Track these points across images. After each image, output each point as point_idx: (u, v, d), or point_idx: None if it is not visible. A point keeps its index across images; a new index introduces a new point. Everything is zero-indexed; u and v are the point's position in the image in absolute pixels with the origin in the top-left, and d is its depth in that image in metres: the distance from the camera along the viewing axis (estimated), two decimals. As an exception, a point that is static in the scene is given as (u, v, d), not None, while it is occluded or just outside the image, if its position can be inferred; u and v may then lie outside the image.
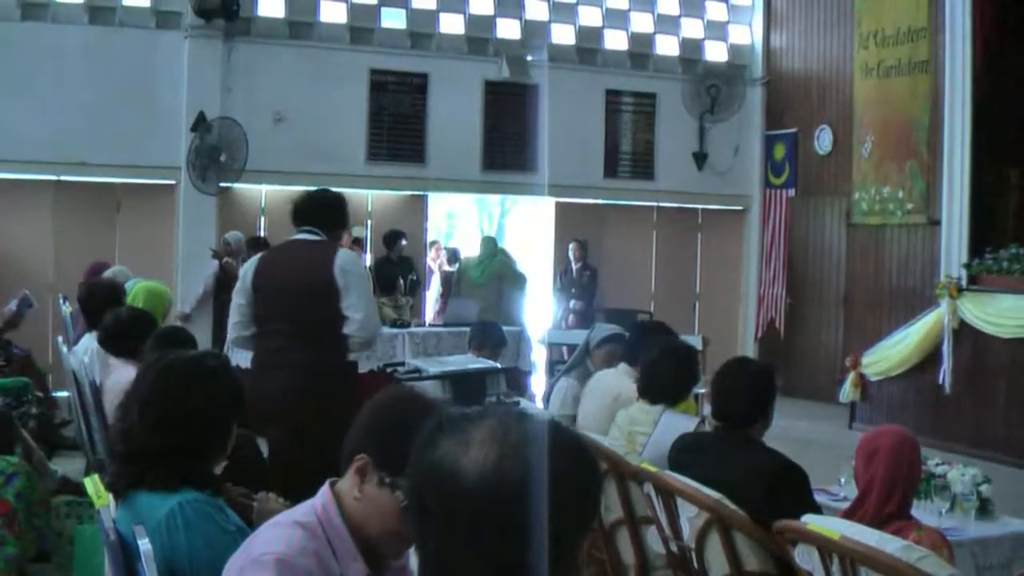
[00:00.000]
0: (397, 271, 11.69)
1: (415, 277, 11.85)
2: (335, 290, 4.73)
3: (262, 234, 11.71)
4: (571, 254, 12.77)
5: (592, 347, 6.06)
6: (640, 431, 4.77)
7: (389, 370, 6.02)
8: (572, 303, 12.55)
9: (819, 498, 4.10)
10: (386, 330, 10.01)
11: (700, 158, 14.00)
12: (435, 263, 13.82)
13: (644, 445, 4.64)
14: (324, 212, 5.14)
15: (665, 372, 4.89)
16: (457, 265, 12.75)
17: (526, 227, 15.08)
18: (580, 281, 12.65)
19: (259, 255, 5.45)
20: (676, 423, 4.55)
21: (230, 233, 10.89)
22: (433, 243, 14.21)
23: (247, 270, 5.11)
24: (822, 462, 5.30)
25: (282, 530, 2.07)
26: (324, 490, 2.18)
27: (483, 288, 11.49)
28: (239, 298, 4.99)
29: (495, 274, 11.66)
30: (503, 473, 1.32)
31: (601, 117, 13.55)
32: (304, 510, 2.15)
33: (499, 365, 5.95)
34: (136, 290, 6.84)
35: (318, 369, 4.67)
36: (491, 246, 12.07)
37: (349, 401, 4.03)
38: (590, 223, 13.49)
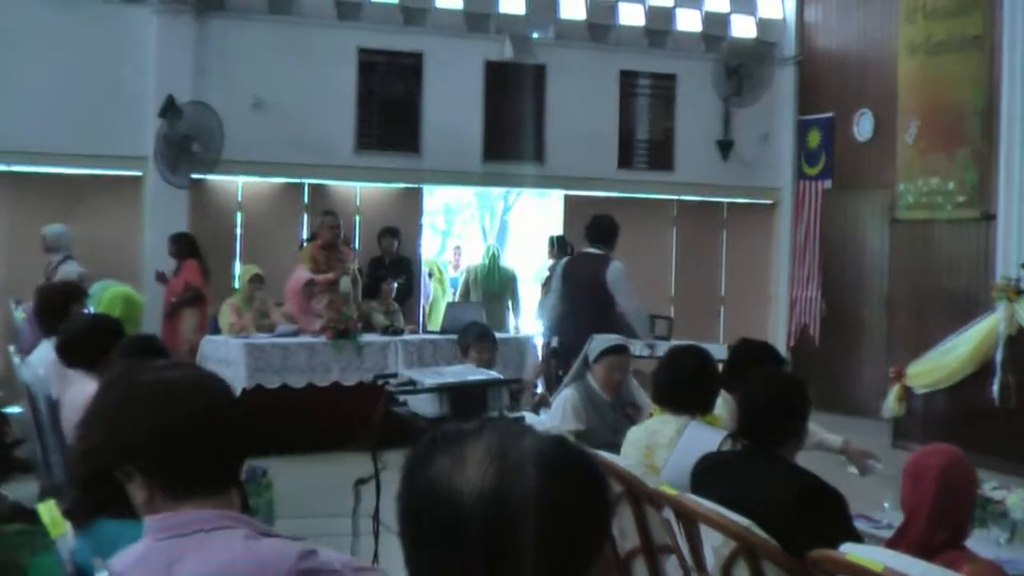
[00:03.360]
0: (389, 273, 11.72)
1: (404, 280, 11.87)
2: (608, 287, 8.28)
3: (237, 231, 11.71)
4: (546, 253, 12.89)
5: (592, 360, 6.06)
6: (661, 444, 4.77)
7: (380, 382, 6.02)
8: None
9: (859, 525, 4.09)
10: (376, 338, 10.09)
11: (725, 146, 14.00)
12: (452, 267, 13.97)
13: (665, 461, 4.63)
14: (602, 232, 8.68)
15: (688, 378, 4.89)
16: (464, 275, 12.82)
17: (531, 223, 15.11)
18: None
19: (564, 260, 8.87)
20: (701, 437, 4.55)
21: (49, 227, 10.24)
22: (456, 248, 14.33)
23: (556, 271, 8.59)
24: (862, 485, 5.29)
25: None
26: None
27: (497, 298, 11.92)
28: (552, 292, 8.76)
29: (505, 284, 12.10)
30: (503, 495, 1.32)
31: (615, 102, 13.56)
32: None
33: (500, 375, 5.96)
34: (111, 296, 6.84)
35: (589, 328, 6.95)
36: (496, 255, 12.39)
37: None
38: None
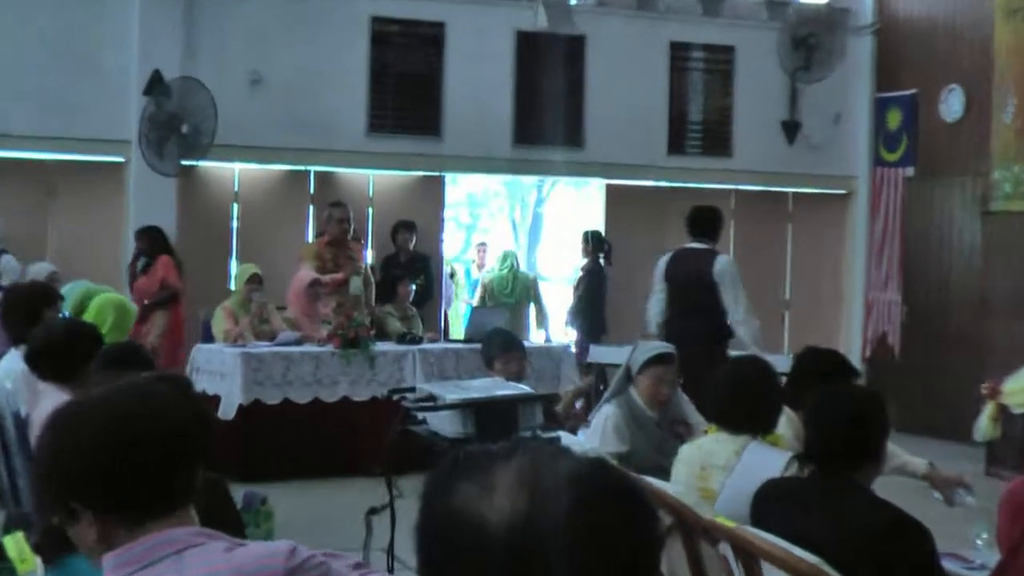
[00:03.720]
0: (405, 273, 11.74)
1: (422, 281, 11.89)
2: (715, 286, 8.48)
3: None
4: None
5: (635, 372, 6.05)
6: (717, 465, 4.76)
7: (395, 397, 6.04)
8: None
9: (948, 565, 4.06)
10: (391, 347, 10.12)
11: (791, 129, 13.95)
12: (476, 268, 14.04)
13: (722, 485, 4.64)
14: (705, 223, 8.90)
15: (747, 393, 4.88)
16: (479, 284, 12.88)
17: (568, 217, 15.14)
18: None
19: (668, 256, 8.92)
20: (763, 460, 4.55)
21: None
22: (481, 244, 14.38)
23: (660, 266, 8.90)
24: (951, 517, 5.26)
25: None
26: None
27: (514, 308, 12.01)
28: (656, 294, 8.91)
29: (524, 292, 12.28)
30: (535, 525, 1.33)
31: (664, 78, 13.56)
32: None
33: (532, 390, 5.96)
34: (102, 304, 6.90)
35: (703, 333, 8.24)
36: (512, 262, 12.62)
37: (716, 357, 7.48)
38: (649, 211, 13.52)
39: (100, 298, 7.03)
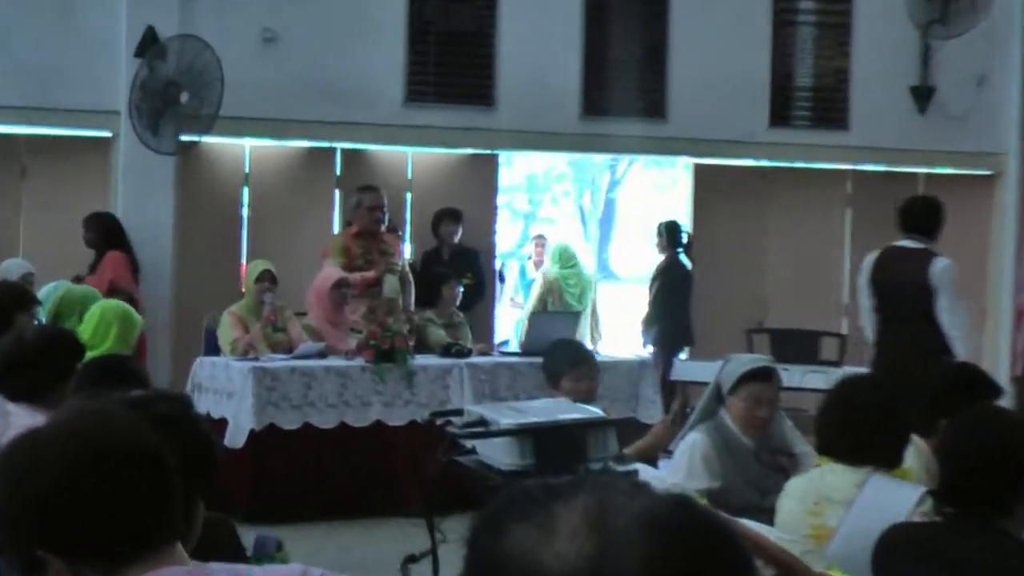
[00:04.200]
0: (450, 271, 11.71)
1: (471, 279, 11.86)
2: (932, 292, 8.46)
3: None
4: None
5: (727, 391, 6.02)
6: (835, 499, 4.75)
7: (439, 422, 6.05)
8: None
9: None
10: (433, 361, 10.14)
11: (922, 95, 13.84)
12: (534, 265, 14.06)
13: (840, 521, 4.63)
14: (922, 218, 8.85)
15: (868, 420, 4.84)
16: (541, 284, 12.87)
17: (648, 203, 15.12)
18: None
19: (875, 255, 8.90)
20: (889, 496, 4.53)
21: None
22: (538, 236, 14.36)
23: (866, 267, 8.90)
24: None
25: None
26: None
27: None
28: (867, 294, 8.90)
29: (588, 296, 12.51)
30: (604, 576, 1.32)
31: (765, 36, 13.53)
32: None
33: (605, 413, 5.95)
34: (103, 312, 6.99)
35: (919, 348, 8.19)
36: (570, 258, 12.82)
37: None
38: (746, 196, 13.53)
39: (101, 306, 7.08)
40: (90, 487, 2.23)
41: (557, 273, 12.72)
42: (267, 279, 10.21)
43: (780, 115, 13.65)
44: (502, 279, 13.89)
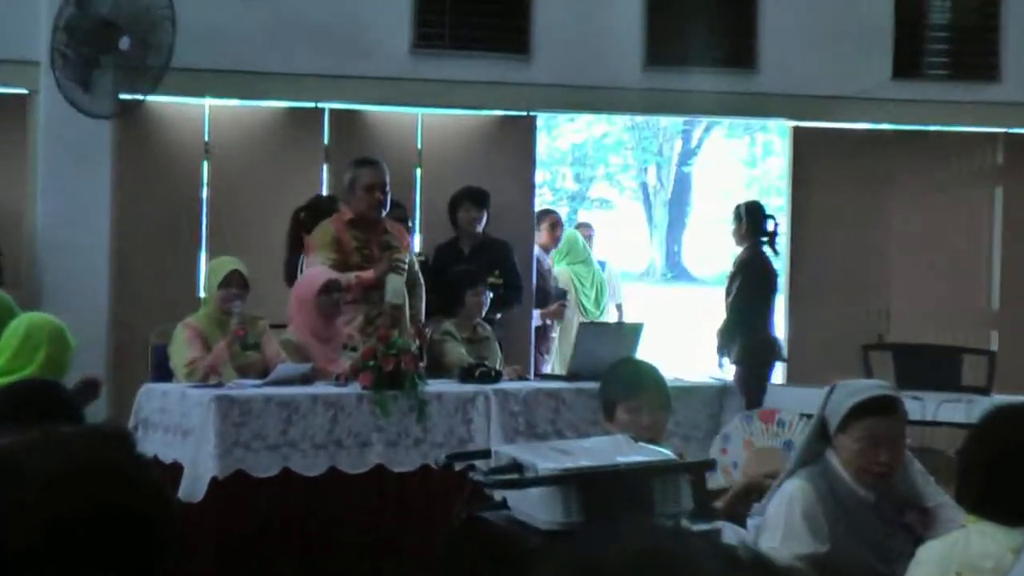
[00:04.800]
0: (473, 270, 11.71)
1: (498, 279, 11.85)
2: None
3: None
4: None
5: (835, 427, 5.95)
6: (984, 568, 4.74)
7: (459, 467, 6.03)
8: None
9: None
10: (453, 387, 10.12)
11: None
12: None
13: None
14: None
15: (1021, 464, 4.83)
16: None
17: (730, 177, 15.17)
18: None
19: None
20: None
21: None
22: (582, 224, 14.36)
23: None
24: None
25: None
26: None
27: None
28: None
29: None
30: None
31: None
32: None
33: (675, 455, 5.91)
34: (29, 328, 7.21)
35: None
36: (580, 251, 13.43)
37: None
38: (861, 168, 13.60)
39: (25, 322, 7.17)
40: None
41: (567, 270, 12.70)
42: (236, 283, 10.17)
43: (908, 65, 13.70)
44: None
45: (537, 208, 13.89)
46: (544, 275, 13.54)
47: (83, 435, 2.91)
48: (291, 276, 11.20)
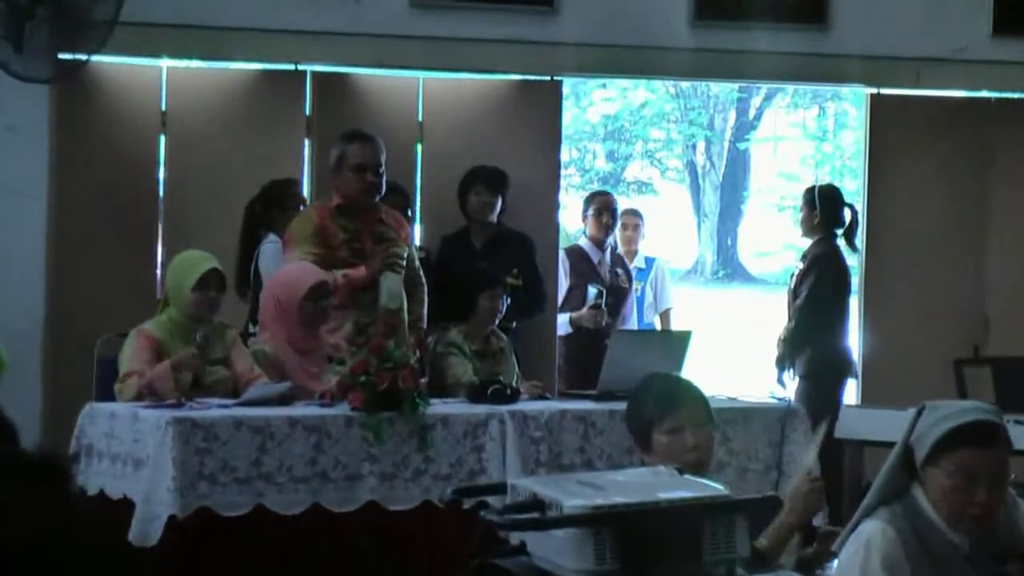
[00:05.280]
0: (487, 268, 11.75)
1: (517, 279, 11.87)
2: None
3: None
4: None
5: (922, 458, 5.99)
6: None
7: (468, 504, 6.09)
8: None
9: None
10: (461, 408, 10.15)
11: None
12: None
13: None
14: None
15: None
16: None
17: (797, 155, 15.23)
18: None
19: None
20: None
21: None
22: (628, 212, 14.36)
23: None
24: None
25: None
26: None
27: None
28: None
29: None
30: None
31: None
32: None
33: (729, 490, 5.95)
34: None
35: None
36: None
37: None
38: (956, 144, 13.62)
39: None
40: None
41: None
42: (212, 284, 10.07)
43: (1010, 20, 13.62)
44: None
45: (561, 191, 13.83)
46: (587, 274, 13.35)
47: (19, 463, 2.98)
48: (242, 283, 11.21)
